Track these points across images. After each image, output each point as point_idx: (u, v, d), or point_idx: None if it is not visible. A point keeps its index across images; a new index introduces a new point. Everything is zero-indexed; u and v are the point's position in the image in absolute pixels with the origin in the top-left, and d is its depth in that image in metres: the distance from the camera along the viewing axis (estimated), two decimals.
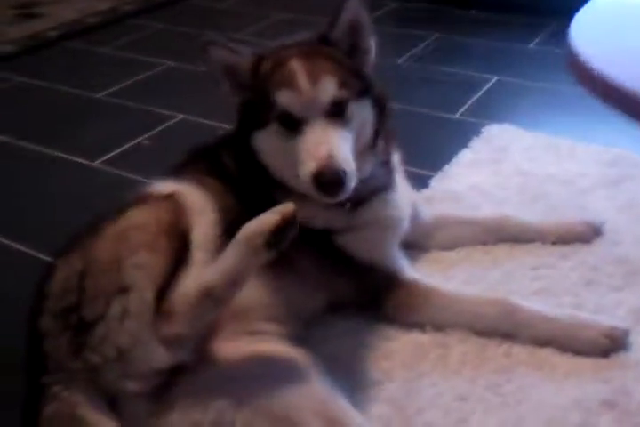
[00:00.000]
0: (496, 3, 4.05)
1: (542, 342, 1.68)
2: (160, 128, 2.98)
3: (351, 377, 1.63)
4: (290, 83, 1.52)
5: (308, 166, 1.47)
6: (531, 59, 3.50)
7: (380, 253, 1.76)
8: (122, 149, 2.82)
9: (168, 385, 1.40)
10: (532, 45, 3.65)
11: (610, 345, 1.65)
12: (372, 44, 1.65)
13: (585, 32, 1.47)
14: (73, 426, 1.33)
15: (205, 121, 3.00)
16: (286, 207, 1.35)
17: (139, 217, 1.51)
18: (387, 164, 1.77)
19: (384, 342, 1.75)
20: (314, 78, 1.52)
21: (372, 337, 1.77)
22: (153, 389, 1.38)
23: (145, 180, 2.47)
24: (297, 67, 1.53)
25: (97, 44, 4.03)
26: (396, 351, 1.72)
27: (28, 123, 3.16)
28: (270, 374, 1.43)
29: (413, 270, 1.83)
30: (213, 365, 1.44)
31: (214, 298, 1.38)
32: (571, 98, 2.99)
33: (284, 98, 1.52)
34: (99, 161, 2.74)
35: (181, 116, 3.07)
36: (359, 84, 1.59)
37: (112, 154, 2.78)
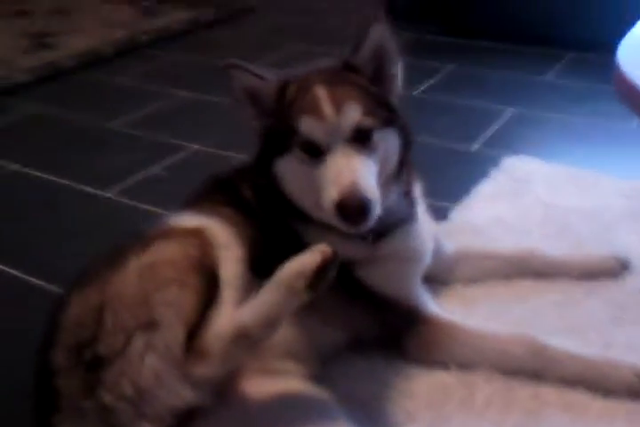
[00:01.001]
0: (511, 34, 4.04)
1: (571, 382, 1.62)
2: (174, 159, 2.95)
3: (372, 418, 1.57)
4: (313, 109, 1.48)
5: (331, 194, 1.42)
6: (547, 90, 3.49)
7: (401, 287, 1.71)
8: (135, 179, 2.80)
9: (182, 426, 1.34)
10: (547, 77, 3.63)
11: None
12: (397, 71, 1.62)
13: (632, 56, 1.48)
14: None
15: (220, 151, 2.97)
16: (326, 247, 1.29)
17: (166, 252, 1.46)
18: (408, 195, 1.72)
19: (405, 381, 1.69)
20: (337, 105, 1.48)
21: (392, 376, 1.70)
22: None
23: (158, 210, 2.45)
24: (321, 93, 1.50)
25: (112, 74, 4.04)
26: (418, 391, 1.66)
27: (42, 152, 3.13)
28: (291, 414, 1.36)
29: (436, 305, 1.77)
30: (231, 404, 1.37)
31: (249, 339, 1.32)
32: (588, 129, 3.00)
33: (307, 125, 1.48)
34: (112, 191, 2.71)
35: (196, 146, 3.05)
36: (384, 112, 1.55)
37: (125, 184, 2.76)
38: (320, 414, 1.39)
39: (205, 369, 1.32)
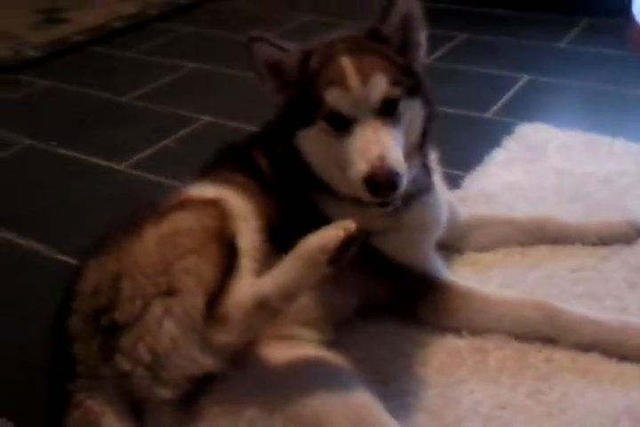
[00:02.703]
0: (524, 1, 3.97)
1: (586, 346, 1.61)
2: (186, 131, 2.95)
3: (385, 384, 1.57)
4: (340, 81, 1.46)
5: (360, 167, 1.41)
6: (562, 57, 3.43)
7: (416, 256, 1.70)
8: (148, 151, 2.80)
9: (197, 392, 1.34)
10: (562, 44, 3.57)
11: None
12: (423, 38, 1.59)
13: None
14: None
15: (231, 123, 2.96)
16: (351, 223, 1.29)
17: (185, 222, 1.45)
18: (425, 165, 1.71)
19: (417, 347, 1.69)
20: (364, 76, 1.46)
21: (404, 343, 1.70)
22: (182, 396, 1.33)
23: (170, 182, 2.45)
24: (347, 64, 1.48)
25: (122, 48, 4.03)
26: (431, 357, 1.66)
27: (55, 126, 3.14)
28: (305, 380, 1.37)
29: (450, 273, 1.77)
30: (247, 370, 1.38)
31: (269, 309, 1.32)
32: (602, 96, 2.96)
33: (333, 97, 1.47)
34: (125, 164, 2.71)
35: (207, 118, 3.04)
36: (410, 81, 1.53)
37: (138, 157, 2.76)
38: (335, 378, 1.39)
39: (225, 336, 1.32)
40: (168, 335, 1.31)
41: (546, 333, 1.63)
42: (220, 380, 1.36)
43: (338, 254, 1.28)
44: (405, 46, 1.57)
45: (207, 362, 1.32)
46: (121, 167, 2.70)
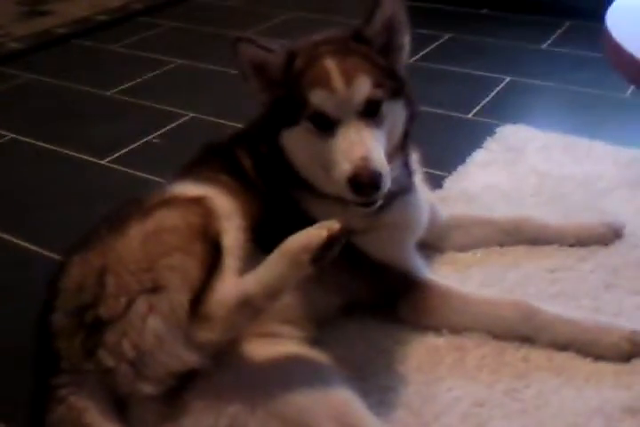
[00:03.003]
0: (509, 2, 4.01)
1: (562, 345, 1.65)
2: (170, 126, 2.95)
3: (365, 380, 1.59)
4: (324, 82, 1.49)
5: (344, 168, 1.44)
6: (544, 59, 3.47)
7: (397, 254, 1.73)
8: (131, 147, 2.80)
9: (181, 388, 1.36)
10: (544, 45, 3.62)
11: (631, 350, 1.61)
12: (406, 41, 1.62)
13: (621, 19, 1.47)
14: None
15: (215, 119, 2.97)
16: (334, 224, 1.31)
17: (169, 220, 1.47)
18: (406, 165, 1.74)
19: (398, 345, 1.72)
20: (348, 78, 1.48)
21: (385, 340, 1.73)
22: (166, 392, 1.34)
23: (154, 177, 2.45)
24: (331, 66, 1.50)
25: (106, 42, 4.01)
26: (410, 355, 1.69)
27: (38, 120, 3.13)
28: (287, 377, 1.39)
29: (430, 272, 1.80)
30: (230, 367, 1.40)
31: (252, 308, 1.34)
32: (583, 98, 2.99)
33: (317, 97, 1.49)
34: (108, 159, 2.71)
35: (191, 114, 3.05)
36: (392, 83, 1.56)
37: (122, 152, 2.76)
38: (316, 375, 1.41)
39: (208, 334, 1.34)
40: (152, 332, 1.32)
41: (523, 332, 1.67)
42: (204, 376, 1.37)
43: (320, 254, 1.30)
44: (388, 48, 1.60)
45: (191, 359, 1.34)
46: (104, 162, 2.70)
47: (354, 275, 1.70)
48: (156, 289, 1.35)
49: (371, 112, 1.50)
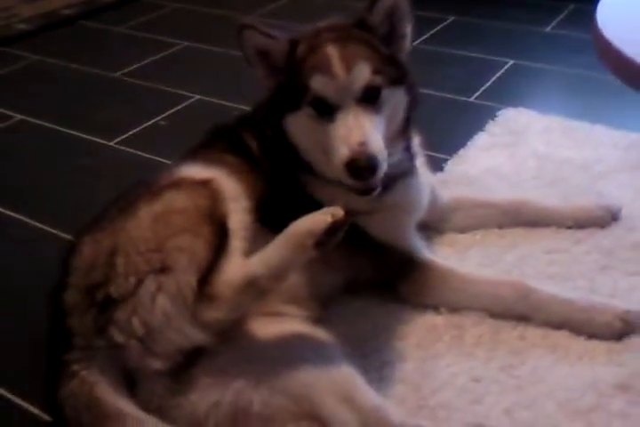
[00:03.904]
0: None
1: (556, 324, 1.69)
2: (176, 108, 2.99)
3: (366, 357, 1.65)
4: (324, 68, 1.52)
5: (342, 153, 1.48)
6: (547, 42, 3.49)
7: (398, 235, 1.77)
8: (138, 128, 2.83)
9: (188, 364, 1.41)
10: (548, 29, 3.62)
11: (624, 329, 1.66)
12: (408, 30, 1.65)
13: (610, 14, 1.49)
14: (89, 407, 1.35)
15: (221, 101, 3.00)
16: (338, 210, 1.36)
17: (178, 202, 1.52)
18: (408, 149, 1.78)
19: (398, 323, 1.77)
20: (348, 64, 1.52)
21: (386, 318, 1.78)
22: (174, 368, 1.40)
23: (160, 159, 2.49)
24: (332, 52, 1.53)
25: (112, 24, 4.03)
26: (410, 332, 1.74)
27: (45, 102, 3.16)
28: (291, 354, 1.45)
29: (430, 252, 1.84)
30: (234, 345, 1.45)
31: (257, 289, 1.39)
32: (587, 81, 3.00)
33: (318, 83, 1.53)
34: (116, 140, 2.75)
35: (197, 96, 3.08)
36: (394, 70, 1.59)
37: (129, 133, 2.80)
38: (319, 352, 1.47)
39: (214, 313, 1.39)
40: (161, 310, 1.38)
41: (519, 311, 1.72)
42: (211, 353, 1.42)
43: (324, 239, 1.35)
44: (391, 36, 1.63)
45: (198, 336, 1.39)
46: (112, 144, 2.74)
47: (356, 254, 1.75)
48: (164, 269, 1.41)
49: (370, 98, 1.54)
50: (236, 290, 1.39)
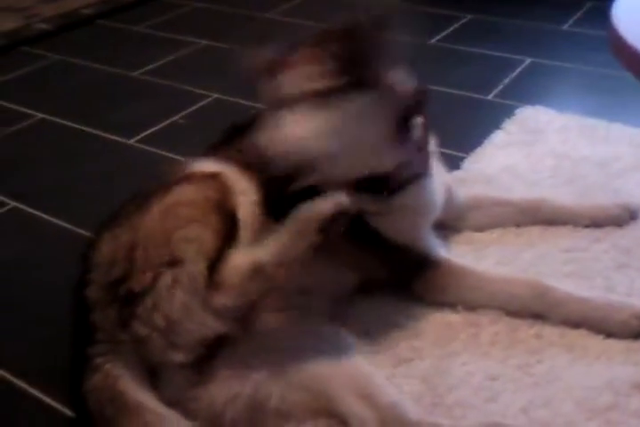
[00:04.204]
0: None
1: (574, 323, 1.69)
2: (195, 107, 3.00)
3: (382, 354, 1.66)
4: None
5: None
6: (565, 40, 3.46)
7: (412, 236, 1.77)
8: (157, 127, 2.86)
9: (209, 357, 1.44)
10: (565, 26, 3.60)
11: None
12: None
13: (627, 12, 1.48)
14: (113, 400, 1.37)
15: (240, 100, 3.01)
16: (342, 197, 1.38)
17: (186, 194, 1.54)
18: (423, 150, 1.76)
19: (414, 320, 1.77)
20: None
21: (401, 316, 1.78)
22: (195, 360, 1.42)
23: (178, 157, 2.51)
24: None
25: (132, 23, 4.05)
26: (426, 330, 1.74)
27: (65, 101, 3.19)
28: (308, 347, 1.47)
29: (446, 251, 1.85)
30: (254, 336, 1.48)
31: (264, 276, 1.41)
32: (605, 79, 2.98)
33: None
34: (135, 139, 2.78)
35: (216, 95, 3.10)
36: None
37: (148, 132, 2.82)
38: (335, 347, 1.49)
39: (222, 300, 1.41)
40: (180, 303, 1.41)
41: (535, 309, 1.72)
42: (231, 345, 1.45)
43: (328, 225, 1.37)
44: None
45: (214, 324, 1.42)
46: (132, 142, 2.76)
47: (369, 253, 1.75)
48: (175, 262, 1.43)
49: None
50: (242, 276, 1.41)
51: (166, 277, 1.41)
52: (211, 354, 1.44)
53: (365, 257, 1.76)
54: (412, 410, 1.43)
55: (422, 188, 1.77)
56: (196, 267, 1.42)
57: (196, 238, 1.46)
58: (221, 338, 1.44)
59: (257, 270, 1.41)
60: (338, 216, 1.37)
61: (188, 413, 1.40)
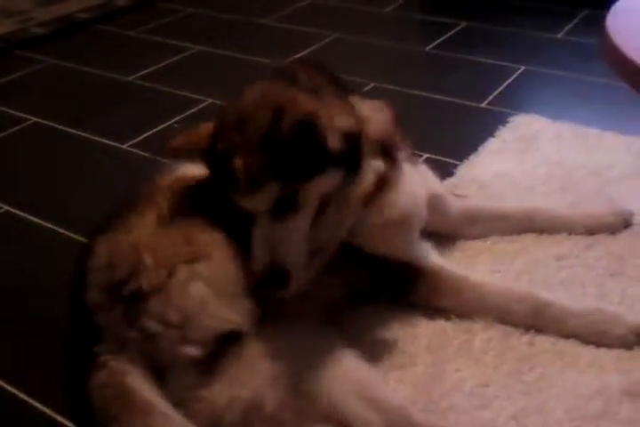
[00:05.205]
0: None
1: (569, 336, 1.70)
2: (189, 112, 3.01)
3: (376, 360, 1.66)
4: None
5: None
6: (559, 48, 3.48)
7: (400, 249, 1.75)
8: (152, 132, 2.86)
9: (218, 355, 1.42)
10: (560, 35, 3.62)
11: (637, 341, 1.66)
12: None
13: (622, 22, 1.49)
14: (119, 396, 1.37)
15: None
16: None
17: None
18: (393, 162, 1.68)
19: (408, 326, 1.78)
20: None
21: (395, 322, 1.79)
22: (206, 357, 1.41)
23: (174, 162, 2.51)
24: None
25: (127, 28, 4.06)
26: (419, 337, 1.74)
27: (60, 105, 3.20)
28: (306, 354, 1.46)
29: (439, 258, 1.83)
30: (257, 340, 1.46)
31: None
32: (599, 88, 3.00)
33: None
34: (129, 143, 2.78)
35: (210, 100, 3.10)
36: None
37: (142, 137, 2.82)
38: (335, 353, 1.49)
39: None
40: (196, 297, 1.41)
41: (531, 324, 1.72)
42: (240, 344, 1.44)
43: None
44: None
45: (231, 317, 1.42)
46: (125, 147, 2.76)
47: (358, 268, 1.74)
48: (195, 259, 1.44)
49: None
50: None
51: (182, 273, 1.42)
52: (220, 352, 1.42)
53: (354, 271, 1.75)
54: (417, 412, 1.44)
55: (393, 201, 1.68)
56: (217, 263, 1.45)
57: (215, 239, 1.48)
58: (233, 335, 1.43)
59: None
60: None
61: (190, 414, 1.39)
